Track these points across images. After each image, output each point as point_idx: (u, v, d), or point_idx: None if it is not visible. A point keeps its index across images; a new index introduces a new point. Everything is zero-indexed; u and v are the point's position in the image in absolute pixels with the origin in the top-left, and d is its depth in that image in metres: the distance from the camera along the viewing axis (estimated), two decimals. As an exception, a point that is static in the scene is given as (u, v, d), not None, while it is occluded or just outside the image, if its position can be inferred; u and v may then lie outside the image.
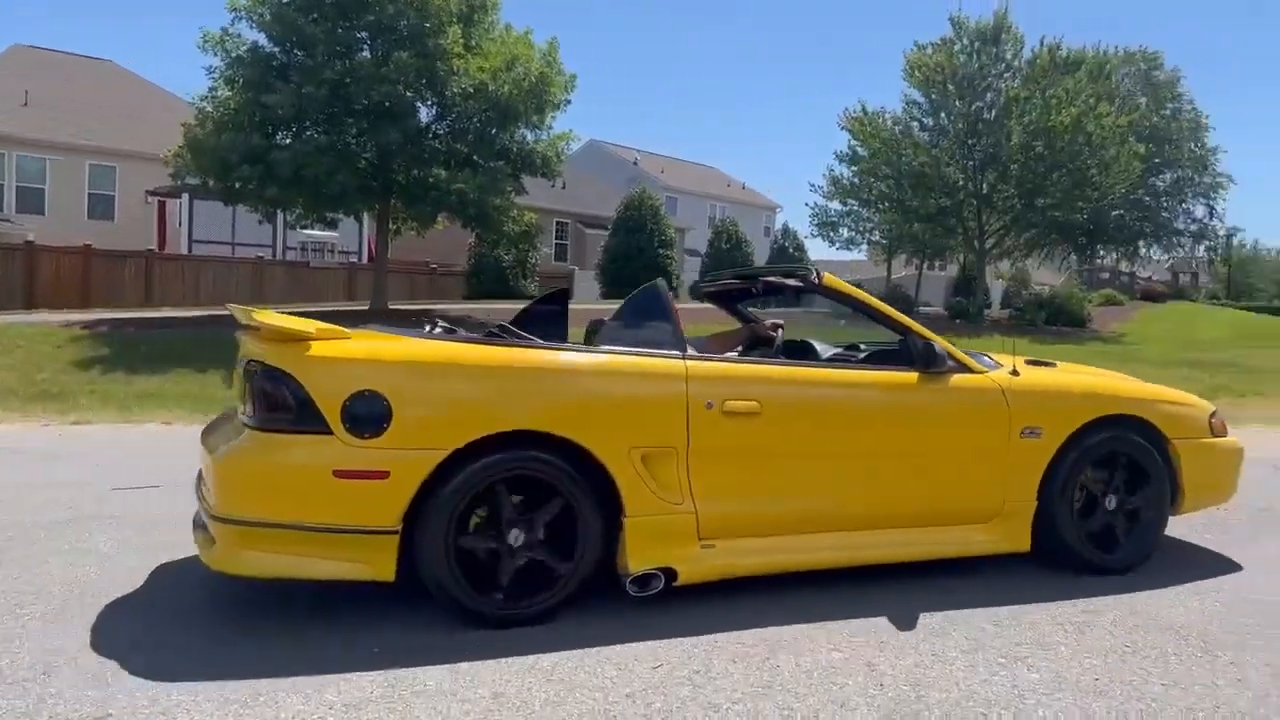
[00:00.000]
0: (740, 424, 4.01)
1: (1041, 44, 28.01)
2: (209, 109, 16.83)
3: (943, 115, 28.26)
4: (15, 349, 13.66)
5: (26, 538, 4.82)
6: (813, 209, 33.03)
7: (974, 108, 27.54)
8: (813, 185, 34.01)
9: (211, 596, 3.99)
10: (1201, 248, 50.44)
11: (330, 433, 3.49)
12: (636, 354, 4.00)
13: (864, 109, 28.52)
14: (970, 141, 27.33)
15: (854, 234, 33.21)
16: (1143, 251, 46.96)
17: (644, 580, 3.85)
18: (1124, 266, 50.09)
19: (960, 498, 4.45)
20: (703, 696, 3.13)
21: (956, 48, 27.95)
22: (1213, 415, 5.08)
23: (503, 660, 3.38)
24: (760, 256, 33.59)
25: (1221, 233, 50.18)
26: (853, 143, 29.38)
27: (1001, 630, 3.82)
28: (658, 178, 47.31)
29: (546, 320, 4.86)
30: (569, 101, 17.89)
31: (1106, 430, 4.64)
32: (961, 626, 3.85)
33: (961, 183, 27.66)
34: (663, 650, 3.51)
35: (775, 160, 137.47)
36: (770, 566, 4.12)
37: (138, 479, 6.27)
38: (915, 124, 28.80)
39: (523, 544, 3.74)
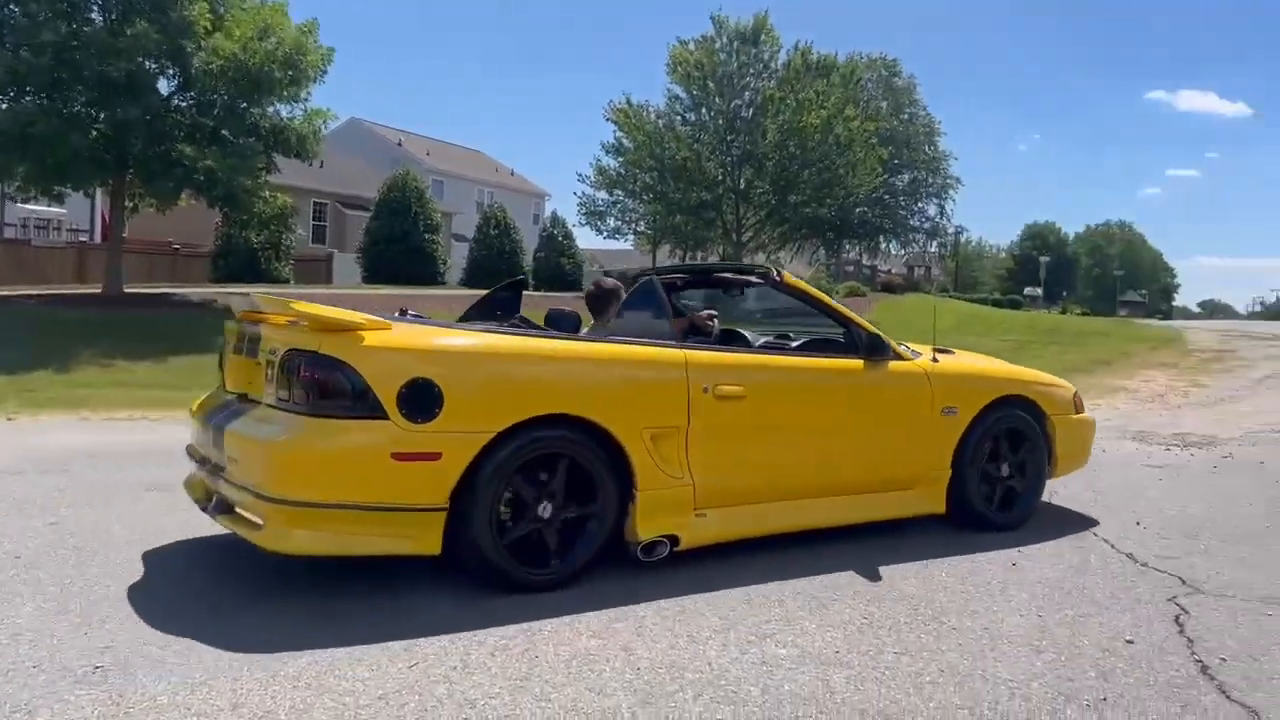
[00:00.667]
0: (729, 406, 4.51)
1: (796, 48, 29.52)
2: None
3: (703, 111, 29.24)
4: None
5: None
6: (581, 198, 33.33)
7: (733, 105, 28.68)
8: (580, 175, 34.20)
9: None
10: (934, 244, 54.95)
11: (386, 418, 3.73)
12: (645, 344, 4.44)
13: (629, 101, 29.09)
14: (729, 138, 28.44)
15: (620, 224, 33.78)
16: (883, 246, 50.60)
17: (650, 547, 4.30)
18: (866, 260, 53.77)
19: (897, 468, 5.16)
20: (459, 693, 3.07)
21: (717, 45, 29.00)
22: (1075, 394, 6.01)
23: (241, 669, 3.17)
24: (529, 244, 33.46)
25: (950, 230, 54.80)
26: (618, 134, 29.88)
27: (752, 609, 3.97)
28: (423, 160, 46.18)
29: (502, 307, 5.38)
30: (325, 73, 17.06)
31: (1003, 409, 5.46)
32: (715, 607, 3.98)
33: (720, 177, 28.75)
34: (419, 648, 3.42)
35: (545, 148, 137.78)
36: (750, 530, 4.67)
37: None
38: (678, 118, 29.64)
39: (551, 516, 4.08)
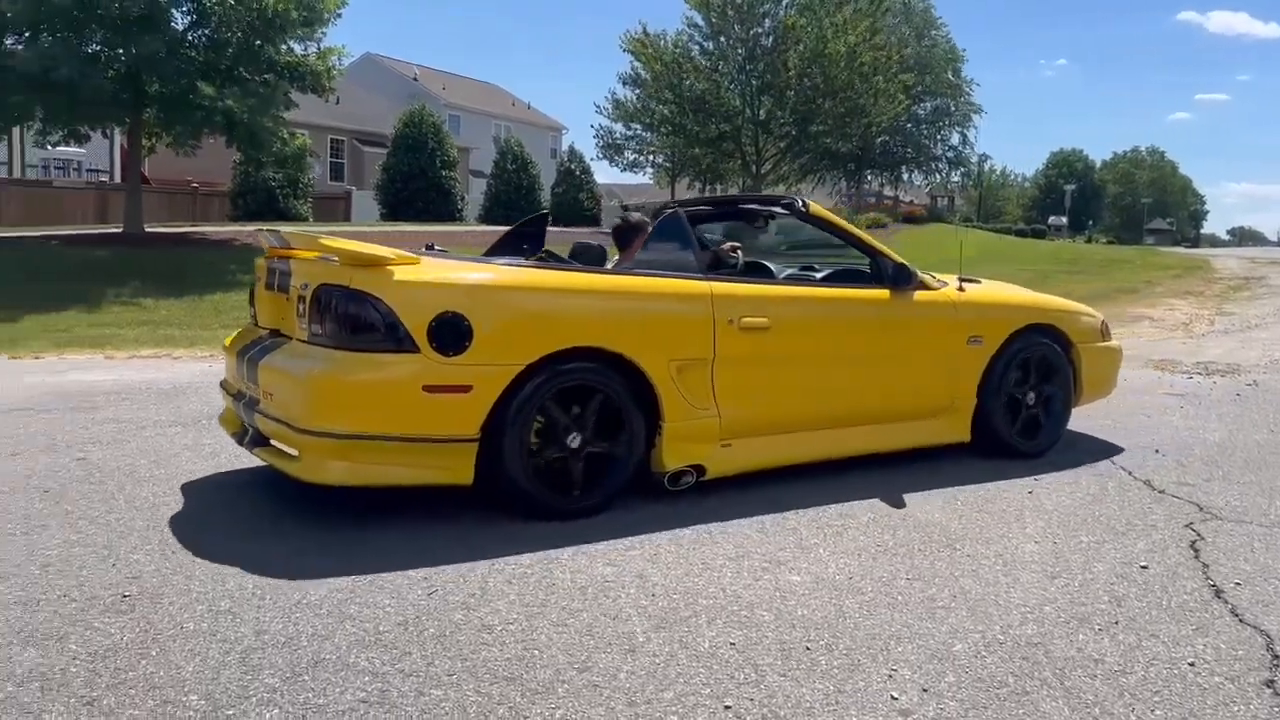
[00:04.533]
0: (754, 338, 4.57)
1: (817, -28, 28.78)
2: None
3: (722, 39, 28.70)
4: None
5: None
6: (597, 131, 33.00)
7: (752, 33, 28.12)
8: (598, 107, 33.75)
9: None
10: (957, 173, 54.15)
11: (418, 351, 3.80)
12: (670, 276, 4.48)
13: (645, 31, 28.57)
14: (749, 67, 27.93)
15: (638, 157, 33.50)
16: (905, 177, 49.91)
17: (676, 476, 4.40)
18: (888, 191, 53.09)
19: (923, 397, 5.21)
20: (476, 619, 3.13)
21: (736, -29, 28.32)
22: (1103, 323, 6.00)
23: (265, 598, 3.24)
24: (547, 178, 33.25)
25: (974, 160, 53.98)
26: (635, 65, 29.43)
27: (766, 537, 4.01)
28: (439, 94, 45.76)
29: (528, 242, 5.44)
30: (340, 15, 16.91)
31: (1030, 337, 5.46)
32: (730, 535, 4.02)
33: (740, 108, 28.30)
34: (439, 575, 3.48)
35: (561, 81, 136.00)
36: (776, 460, 4.76)
37: None
38: (696, 48, 29.12)
39: (579, 445, 4.14)
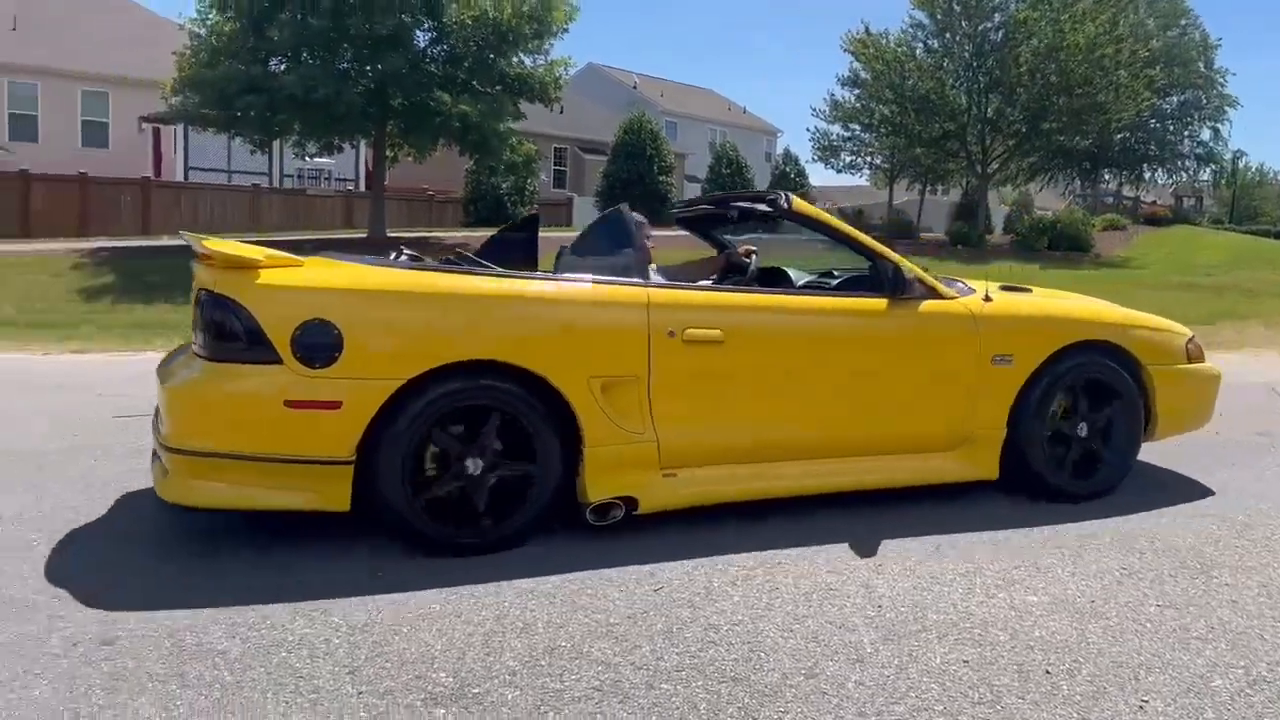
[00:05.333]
0: (703, 352, 3.97)
1: (1051, -37, 27.31)
2: (201, 34, 16.53)
3: (948, 36, 27.73)
4: (13, 278, 13.63)
5: (32, 464, 4.84)
6: (813, 133, 32.61)
7: (980, 29, 27.00)
8: (814, 109, 33.45)
9: (207, 525, 4.01)
10: (1206, 171, 49.94)
11: (280, 362, 3.45)
12: (597, 281, 3.94)
13: (866, 30, 27.98)
14: (975, 64, 26.86)
15: (855, 158, 32.85)
16: (1146, 176, 46.50)
17: (603, 509, 3.85)
18: (1127, 190, 49.66)
19: (928, 425, 4.44)
20: (702, 618, 3.18)
21: (964, -35, 27.27)
22: (1189, 341, 5.02)
23: (503, 583, 3.42)
24: (761, 181, 33.24)
25: (1227, 156, 49.63)
26: (855, 65, 28.91)
27: (998, 554, 3.86)
28: (657, 101, 46.59)
29: (516, 247, 4.89)
30: (567, 30, 17.56)
31: (1080, 357, 4.59)
32: (958, 550, 3.89)
33: (965, 106, 27.25)
34: (663, 572, 3.55)
35: (775, 84, 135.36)
36: (735, 494, 4.12)
37: (140, 407, 6.28)
38: (919, 46, 28.28)
39: (481, 473, 3.71)
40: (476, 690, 2.68)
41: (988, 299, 4.58)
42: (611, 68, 51.56)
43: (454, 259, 4.23)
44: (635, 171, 27.82)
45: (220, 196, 24.20)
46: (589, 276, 3.98)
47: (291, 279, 3.57)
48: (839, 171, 33.33)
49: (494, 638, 3.01)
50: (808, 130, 40.60)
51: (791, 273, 5.17)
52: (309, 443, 3.49)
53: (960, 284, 4.82)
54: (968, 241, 25.38)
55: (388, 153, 18.72)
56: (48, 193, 21.01)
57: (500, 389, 3.68)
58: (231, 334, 3.50)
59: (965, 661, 2.90)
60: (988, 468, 4.51)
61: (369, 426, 3.51)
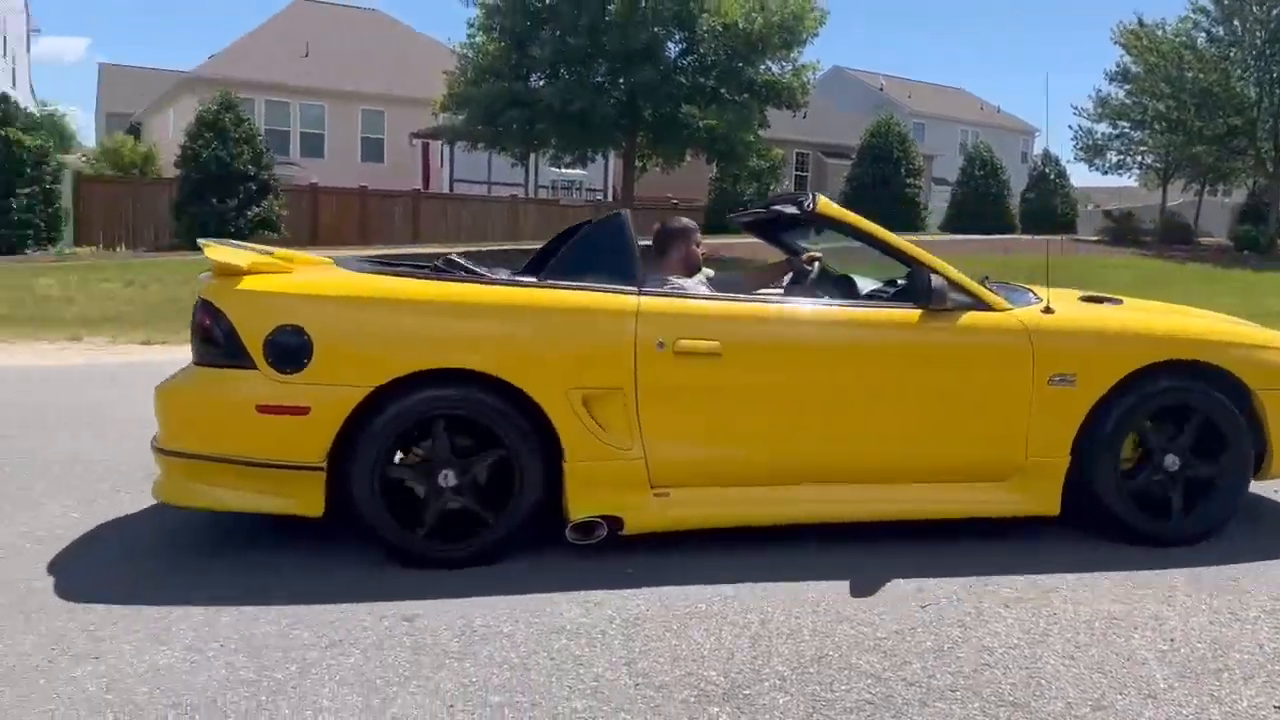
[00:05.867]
0: (697, 365, 3.72)
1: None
2: (469, 55, 17.69)
3: (1235, 23, 25.37)
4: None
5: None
6: (1076, 132, 30.68)
7: (1274, 13, 24.52)
8: (1075, 108, 31.33)
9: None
10: None
11: (255, 367, 3.50)
12: (582, 289, 3.75)
13: (1140, 22, 26.08)
14: (1268, 52, 24.41)
15: (1124, 158, 30.60)
16: None
17: (586, 528, 3.67)
18: None
19: (968, 450, 3.99)
20: (974, 639, 3.08)
21: (1256, -55, 24.87)
22: None
23: (766, 585, 3.45)
24: (1017, 183, 31.62)
25: None
26: (1125, 59, 27.00)
27: (1311, 591, 3.50)
28: (904, 103, 45.40)
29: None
30: (816, 36, 17.49)
31: (1166, 379, 3.99)
32: (1262, 584, 3.56)
33: (1255, 99, 24.83)
34: (929, 590, 3.47)
35: (1029, 82, 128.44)
36: (734, 519, 3.85)
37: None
38: (1201, 35, 26.03)
39: (454, 485, 3.62)
40: (748, 692, 2.72)
41: (1048, 310, 4.07)
42: (857, 70, 50.69)
43: (441, 265, 4.11)
44: (881, 175, 27.28)
45: (482, 207, 25.73)
46: (574, 283, 3.78)
47: (268, 285, 3.62)
48: (1104, 173, 31.19)
49: (760, 641, 3.04)
50: (1070, 129, 38.11)
51: (859, 281, 4.70)
52: (280, 447, 3.51)
53: (1030, 294, 4.39)
54: (1255, 246, 23.16)
55: (636, 163, 19.29)
56: (333, 204, 23.07)
57: (474, 399, 3.58)
58: (213, 339, 3.59)
59: (1277, 708, 2.66)
60: (1046, 501, 3.98)
61: (339, 433, 3.50)
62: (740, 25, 16.35)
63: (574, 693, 2.70)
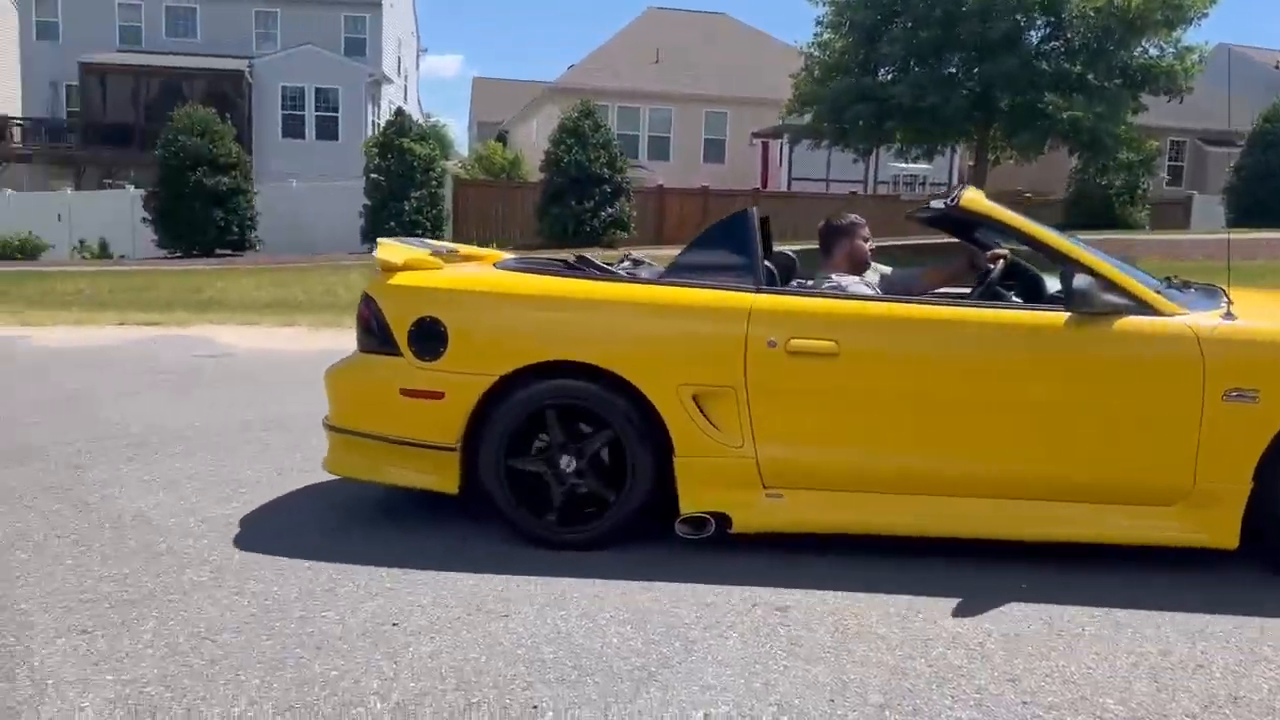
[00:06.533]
0: (811, 366, 3.63)
1: None
2: (816, 54, 17.70)
3: None
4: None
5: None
6: None
7: None
8: None
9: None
10: None
11: (400, 354, 3.85)
12: (696, 286, 3.80)
13: None
14: None
15: None
16: None
17: (697, 523, 3.70)
18: None
19: (1119, 471, 3.57)
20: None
21: None
22: None
23: (1166, 614, 3.17)
24: None
25: None
26: None
27: None
28: (1306, 83, 39.79)
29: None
30: (1207, 15, 15.76)
31: None
32: None
33: None
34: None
35: None
36: (852, 526, 3.69)
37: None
38: None
39: (573, 471, 3.80)
40: (1152, 726, 2.52)
41: (1229, 316, 3.57)
42: (1251, 48, 45.13)
43: (574, 263, 4.27)
44: (1274, 164, 24.07)
45: (819, 204, 25.59)
46: (693, 281, 3.83)
47: (415, 280, 3.96)
48: None
49: (1162, 674, 2.81)
50: None
51: (1049, 281, 4.34)
52: (420, 428, 3.85)
53: (1221, 297, 3.85)
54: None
55: (989, 155, 18.40)
56: (677, 205, 23.92)
57: (590, 391, 3.74)
58: (370, 328, 3.99)
59: None
60: (1222, 532, 3.50)
61: (471, 416, 3.77)
62: (1115, 3, 15.08)
63: (956, 702, 2.64)
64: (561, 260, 4.44)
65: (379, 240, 4.25)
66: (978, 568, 3.60)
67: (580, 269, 4.15)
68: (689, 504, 3.72)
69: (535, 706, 2.59)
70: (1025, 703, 2.64)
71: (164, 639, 2.96)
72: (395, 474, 3.98)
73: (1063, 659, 2.90)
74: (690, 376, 3.71)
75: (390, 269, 4.02)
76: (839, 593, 3.37)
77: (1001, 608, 3.26)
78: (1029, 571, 3.56)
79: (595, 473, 3.82)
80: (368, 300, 4.02)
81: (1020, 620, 3.17)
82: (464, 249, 4.73)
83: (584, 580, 3.46)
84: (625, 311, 3.81)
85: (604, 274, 4.08)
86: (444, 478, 3.86)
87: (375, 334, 3.97)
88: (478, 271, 4.22)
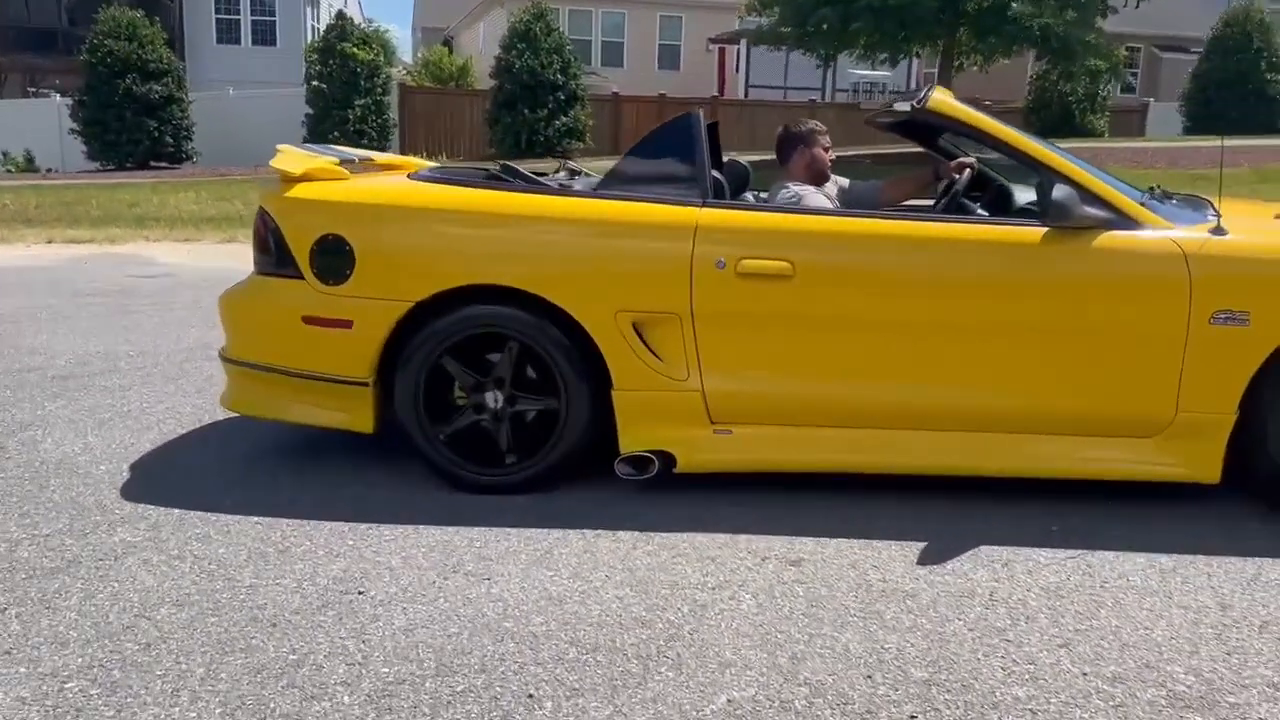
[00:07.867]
0: (764, 288, 3.24)
1: None
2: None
3: None
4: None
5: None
6: None
7: None
8: None
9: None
10: None
11: (302, 277, 3.43)
12: (635, 199, 3.37)
13: None
14: None
15: None
16: None
17: (639, 463, 3.33)
18: None
19: (1095, 400, 3.26)
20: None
21: None
22: None
23: (1215, 559, 2.89)
24: None
25: None
26: None
27: None
28: (1262, -12, 39.46)
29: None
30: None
31: None
32: None
33: None
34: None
35: None
36: (808, 464, 3.36)
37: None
38: None
39: (500, 407, 3.41)
40: (1232, 700, 2.23)
41: (1218, 231, 3.22)
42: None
43: (496, 173, 3.83)
44: (1235, 70, 23.89)
45: (778, 112, 24.95)
46: (631, 193, 3.40)
47: (316, 193, 3.51)
48: None
49: (1228, 631, 2.53)
50: None
51: (1017, 192, 4.00)
52: (327, 361, 3.44)
53: (1209, 210, 3.45)
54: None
55: (954, 61, 17.90)
56: (634, 113, 23.14)
57: (519, 318, 3.33)
58: (265, 247, 3.56)
59: None
60: (1203, 465, 3.23)
61: (383, 349, 3.37)
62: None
63: (1010, 676, 2.32)
64: (484, 170, 4.02)
65: (278, 146, 3.79)
66: (993, 505, 3.29)
67: (505, 180, 3.72)
68: (629, 442, 3.37)
69: (531, 695, 2.23)
70: (1085, 674, 2.33)
71: (90, 618, 2.54)
72: (301, 412, 3.57)
73: (1114, 617, 2.60)
74: (629, 302, 3.32)
75: (289, 180, 3.55)
76: (852, 540, 3.05)
77: (1033, 555, 2.96)
78: (1046, 511, 3.26)
79: (521, 413, 3.46)
80: (263, 215, 3.57)
81: (1058, 571, 2.87)
82: (381, 158, 4.22)
83: (570, 531, 3.10)
84: (555, 228, 3.38)
85: (531, 185, 3.65)
86: (357, 416, 3.47)
87: (273, 254, 3.52)
88: (388, 183, 3.73)
